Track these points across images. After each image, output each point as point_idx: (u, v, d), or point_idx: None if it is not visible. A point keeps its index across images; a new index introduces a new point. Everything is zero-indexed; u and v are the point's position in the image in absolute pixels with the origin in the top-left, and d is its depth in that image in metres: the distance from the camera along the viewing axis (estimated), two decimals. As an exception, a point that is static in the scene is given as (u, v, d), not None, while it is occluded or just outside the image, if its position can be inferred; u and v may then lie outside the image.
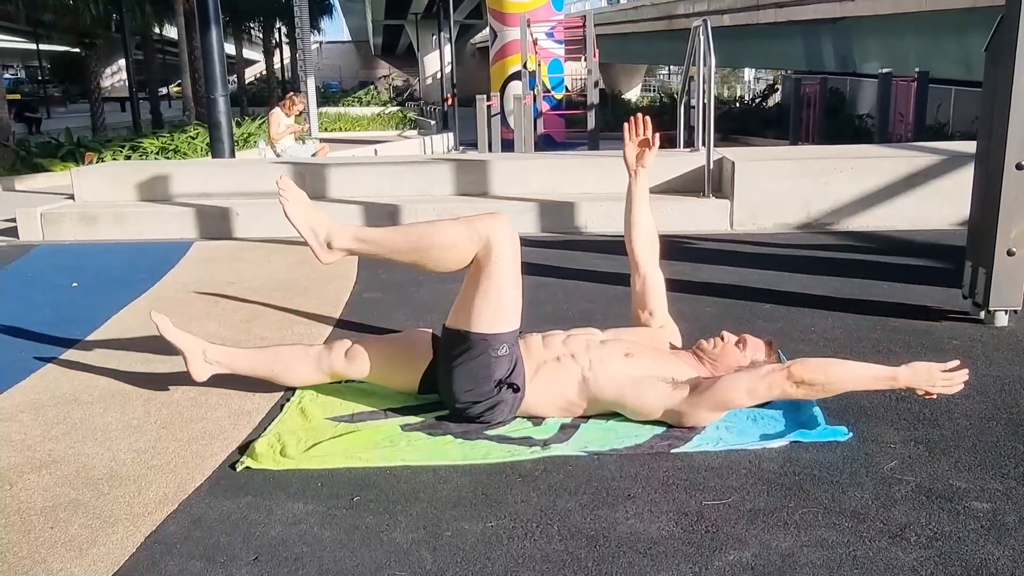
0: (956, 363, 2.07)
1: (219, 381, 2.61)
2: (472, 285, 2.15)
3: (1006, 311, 2.96)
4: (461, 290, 2.20)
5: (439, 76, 35.38)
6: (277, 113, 10.04)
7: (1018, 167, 2.80)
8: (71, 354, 2.96)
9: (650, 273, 2.54)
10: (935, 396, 2.08)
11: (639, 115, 2.59)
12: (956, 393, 2.07)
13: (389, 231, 2.31)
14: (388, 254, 2.22)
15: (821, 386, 2.07)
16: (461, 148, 18.52)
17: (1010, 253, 2.87)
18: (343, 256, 2.24)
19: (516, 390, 2.17)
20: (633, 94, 40.04)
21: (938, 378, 2.04)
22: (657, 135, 2.56)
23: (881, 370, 2.11)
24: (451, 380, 2.18)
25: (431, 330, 2.39)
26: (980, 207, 2.99)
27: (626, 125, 2.56)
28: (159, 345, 3.00)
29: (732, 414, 2.22)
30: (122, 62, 32.39)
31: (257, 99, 37.01)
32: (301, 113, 11.06)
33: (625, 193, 2.58)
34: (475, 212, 2.25)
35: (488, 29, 21.55)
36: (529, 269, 3.35)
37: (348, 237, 2.21)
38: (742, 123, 21.38)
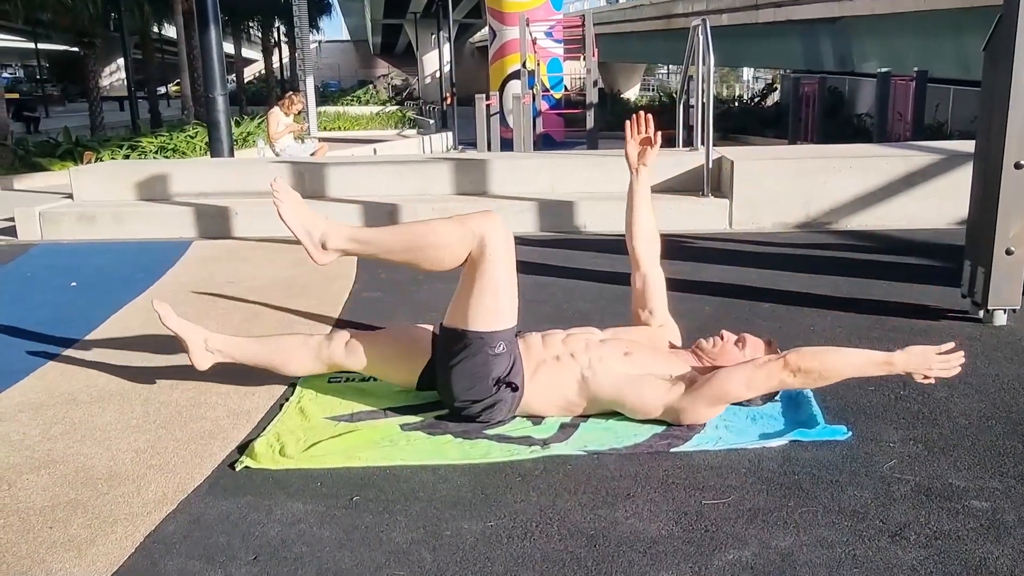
0: (951, 345, 2.05)
1: (218, 379, 2.62)
2: (468, 284, 2.15)
3: (1005, 310, 2.96)
4: (457, 289, 2.20)
5: (438, 75, 35.33)
6: (276, 112, 10.04)
7: (1016, 166, 2.80)
8: (70, 354, 2.96)
9: (651, 272, 2.53)
10: (933, 380, 2.05)
11: (640, 113, 2.56)
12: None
13: (384, 231, 2.33)
14: (383, 254, 2.24)
15: (818, 373, 2.05)
16: (460, 147, 18.49)
17: (1008, 252, 2.87)
18: (338, 256, 2.25)
19: (515, 389, 2.16)
20: (632, 93, 40.04)
21: (934, 361, 2.03)
22: (659, 133, 2.55)
23: (878, 355, 2.09)
24: (449, 379, 2.18)
25: (431, 327, 2.38)
26: (979, 206, 2.99)
27: (628, 123, 2.53)
28: (158, 344, 3.01)
29: (731, 413, 2.22)
30: (121, 61, 32.40)
31: (256, 98, 36.97)
32: (300, 112, 11.06)
33: (626, 191, 2.58)
34: (474, 211, 2.25)
35: (487, 28, 21.54)
36: (528, 268, 3.36)
37: (343, 237, 2.22)
38: (741, 122, 21.39)
